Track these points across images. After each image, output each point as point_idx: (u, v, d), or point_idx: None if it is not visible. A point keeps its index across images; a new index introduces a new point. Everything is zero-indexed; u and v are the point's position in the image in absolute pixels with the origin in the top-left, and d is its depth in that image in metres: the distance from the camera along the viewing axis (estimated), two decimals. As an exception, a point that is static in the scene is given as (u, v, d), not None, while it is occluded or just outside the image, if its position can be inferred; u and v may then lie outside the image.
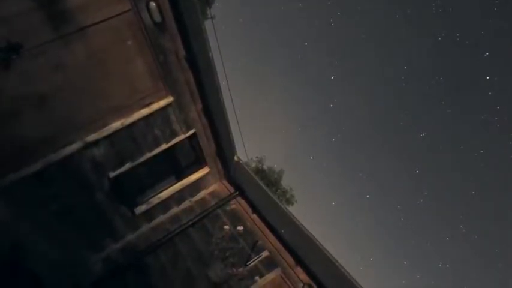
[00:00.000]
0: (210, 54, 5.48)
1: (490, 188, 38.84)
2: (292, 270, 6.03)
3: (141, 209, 6.72)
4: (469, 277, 39.43)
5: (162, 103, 5.85)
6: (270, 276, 6.01)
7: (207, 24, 5.32)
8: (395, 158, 45.18)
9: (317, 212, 43.98)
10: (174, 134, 6.38)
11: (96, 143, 5.48)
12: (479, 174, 39.35)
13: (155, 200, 6.85)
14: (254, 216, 7.01)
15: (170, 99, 5.90)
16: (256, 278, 5.97)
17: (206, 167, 7.35)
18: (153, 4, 5.06)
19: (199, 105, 6.44)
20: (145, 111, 5.74)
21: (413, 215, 43.59)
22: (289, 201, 20.12)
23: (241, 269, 6.13)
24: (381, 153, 46.33)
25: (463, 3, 38.00)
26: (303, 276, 5.93)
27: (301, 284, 5.82)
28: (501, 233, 38.27)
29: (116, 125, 5.57)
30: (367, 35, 45.02)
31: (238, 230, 6.79)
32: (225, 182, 7.85)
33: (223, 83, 5.93)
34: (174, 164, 6.93)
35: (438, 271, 40.19)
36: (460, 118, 40.33)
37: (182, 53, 5.69)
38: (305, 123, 48.89)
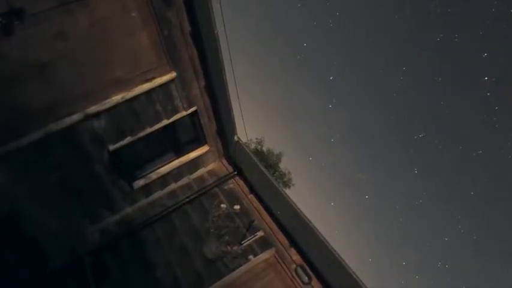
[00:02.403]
0: (216, 32, 5.38)
1: (488, 189, 38.95)
2: (286, 251, 6.13)
3: (139, 183, 6.76)
4: (467, 277, 39.89)
5: (165, 78, 5.78)
6: (264, 255, 6.11)
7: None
8: (394, 159, 45.20)
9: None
10: (176, 111, 6.34)
11: (96, 115, 5.44)
12: (478, 174, 39.42)
13: (154, 175, 6.88)
14: (251, 196, 7.07)
15: (173, 74, 5.83)
16: (250, 256, 6.07)
17: (206, 145, 7.35)
18: (159, -25, 4.93)
19: (202, 83, 6.38)
20: (147, 86, 5.68)
21: (412, 216, 43.67)
22: (286, 184, 20.28)
23: (235, 248, 6.22)
24: (379, 153, 46.35)
25: (461, 4, 37.44)
26: (296, 257, 6.03)
27: (294, 265, 5.92)
28: (500, 233, 38.62)
29: (117, 98, 5.52)
30: (366, 35, 44.51)
31: (235, 209, 6.85)
32: (224, 161, 7.88)
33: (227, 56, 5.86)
34: (174, 141, 6.92)
35: (437, 271, 40.62)
36: (459, 119, 40.22)
37: (187, 28, 5.58)
38: (304, 124, 48.93)
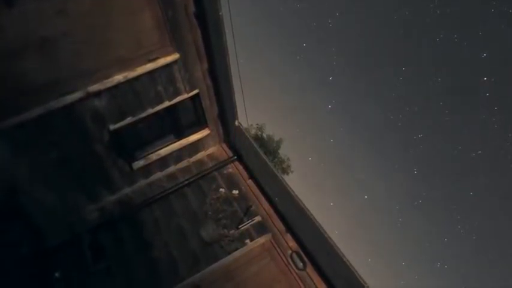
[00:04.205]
0: (220, 14, 5.29)
1: (488, 189, 39.09)
2: (282, 237, 6.19)
3: (139, 164, 6.77)
4: (467, 277, 40.28)
5: (168, 59, 5.72)
6: (260, 240, 6.17)
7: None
8: (393, 159, 45.29)
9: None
10: (177, 93, 6.30)
11: (98, 94, 5.41)
12: (477, 174, 39.53)
13: (153, 157, 6.89)
14: (250, 181, 7.10)
15: (176, 56, 5.77)
16: (247, 241, 6.13)
17: (206, 129, 7.33)
18: (165, -47, 4.82)
19: (205, 65, 6.32)
20: (149, 66, 5.62)
21: (412, 216, 43.95)
22: (285, 171, 20.35)
23: (232, 231, 6.28)
24: (379, 154, 46.43)
25: (460, 4, 37.05)
26: (292, 243, 6.09)
27: (290, 251, 5.99)
28: (499, 233, 38.87)
29: (119, 77, 5.47)
30: (365, 36, 44.23)
31: (233, 193, 6.89)
32: (224, 145, 7.88)
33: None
34: (175, 123, 6.90)
35: (436, 271, 41.03)
36: (458, 119, 40.18)
37: (192, 8, 5.49)
38: (304, 123, 48.89)
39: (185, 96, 6.42)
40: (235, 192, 6.92)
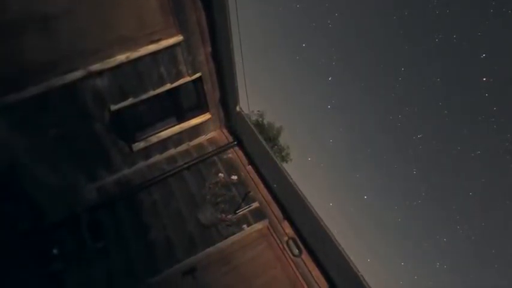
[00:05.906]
0: (226, -4, 5.20)
1: (487, 189, 39.02)
2: (279, 223, 6.24)
3: (139, 145, 6.76)
4: (466, 278, 40.40)
5: (171, 41, 5.64)
6: (258, 226, 6.22)
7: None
8: (393, 159, 45.16)
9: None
10: (180, 75, 6.24)
11: (99, 73, 5.36)
12: (476, 175, 39.50)
13: (154, 139, 6.88)
14: (249, 167, 7.11)
15: (180, 38, 5.69)
16: (244, 226, 6.18)
17: (208, 113, 7.30)
18: None
19: (208, 49, 6.24)
20: (152, 47, 5.55)
21: (411, 216, 43.78)
22: (284, 159, 20.39)
23: (230, 216, 6.32)
24: (378, 154, 46.27)
25: (460, 5, 36.57)
26: (289, 230, 6.14)
27: (286, 238, 6.05)
28: (498, 233, 38.97)
29: (121, 57, 5.41)
30: (364, 36, 43.79)
31: (232, 179, 6.91)
32: (224, 130, 7.86)
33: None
34: (176, 106, 6.86)
35: (436, 272, 41.08)
36: (457, 119, 39.98)
37: (197, -10, 5.40)
38: (302, 124, 48.68)
39: (187, 79, 6.36)
40: (234, 177, 6.94)
